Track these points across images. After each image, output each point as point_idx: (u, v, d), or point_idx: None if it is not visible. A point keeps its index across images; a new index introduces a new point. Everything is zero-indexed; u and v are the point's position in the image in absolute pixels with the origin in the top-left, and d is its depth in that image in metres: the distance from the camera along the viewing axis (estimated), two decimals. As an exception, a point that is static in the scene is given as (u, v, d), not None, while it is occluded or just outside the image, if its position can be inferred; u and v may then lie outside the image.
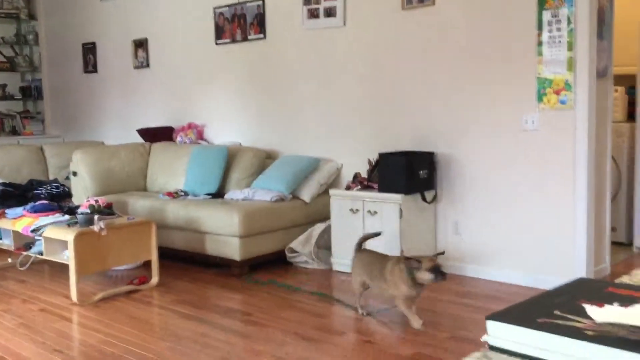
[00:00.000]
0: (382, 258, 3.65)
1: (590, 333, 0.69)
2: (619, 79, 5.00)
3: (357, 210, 4.70)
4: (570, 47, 4.03)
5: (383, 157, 4.67)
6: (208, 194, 5.42)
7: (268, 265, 4.95)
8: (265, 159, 5.71)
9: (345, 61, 5.28)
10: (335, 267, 4.87)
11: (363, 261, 3.75)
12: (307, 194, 5.20)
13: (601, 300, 0.80)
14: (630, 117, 5.35)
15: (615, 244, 4.87)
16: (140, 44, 7.08)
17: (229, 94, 6.25)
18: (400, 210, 4.48)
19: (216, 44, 6.26)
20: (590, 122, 4.07)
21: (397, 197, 4.49)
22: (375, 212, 4.60)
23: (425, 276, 3.33)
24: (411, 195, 4.56)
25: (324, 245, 4.99)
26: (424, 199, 4.64)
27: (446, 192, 4.75)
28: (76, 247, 4.07)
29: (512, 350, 0.72)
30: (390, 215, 4.52)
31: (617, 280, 0.99)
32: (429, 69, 4.76)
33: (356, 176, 5.01)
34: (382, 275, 3.53)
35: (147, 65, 7.05)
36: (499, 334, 0.74)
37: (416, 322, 3.47)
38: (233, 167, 5.63)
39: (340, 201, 4.83)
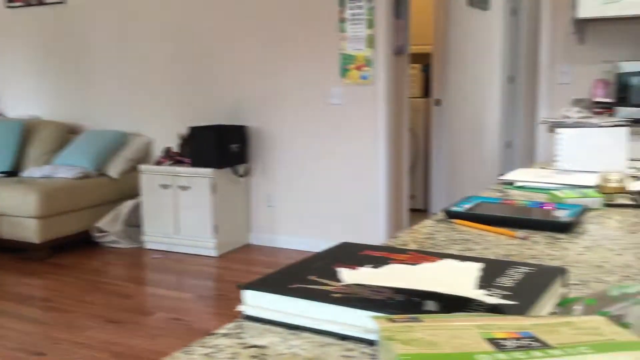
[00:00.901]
0: None
1: (336, 295, 0.72)
2: (416, 57, 5.37)
3: (169, 185, 4.58)
4: (370, 25, 4.23)
5: (194, 131, 4.58)
6: (1, 173, 4.94)
7: (72, 247, 4.65)
8: (68, 134, 5.33)
9: (155, 31, 5.06)
10: (147, 246, 4.71)
11: None
12: (114, 170, 4.95)
13: (356, 262, 0.83)
14: (426, 93, 5.79)
15: (413, 210, 5.26)
16: None
17: (25, 63, 5.70)
18: (213, 185, 4.44)
19: (7, 7, 5.66)
20: (388, 97, 4.33)
21: (208, 171, 4.44)
22: (188, 187, 4.51)
23: None
24: (224, 169, 4.53)
25: (135, 223, 4.80)
26: (235, 172, 4.64)
27: (259, 165, 4.79)
28: None
29: (265, 318, 0.73)
30: (202, 190, 4.46)
31: (381, 243, 1.05)
32: (238, 42, 4.73)
33: (167, 151, 4.86)
34: None
35: None
36: (254, 302, 0.75)
37: None
38: (31, 143, 5.18)
39: (150, 177, 4.66)
